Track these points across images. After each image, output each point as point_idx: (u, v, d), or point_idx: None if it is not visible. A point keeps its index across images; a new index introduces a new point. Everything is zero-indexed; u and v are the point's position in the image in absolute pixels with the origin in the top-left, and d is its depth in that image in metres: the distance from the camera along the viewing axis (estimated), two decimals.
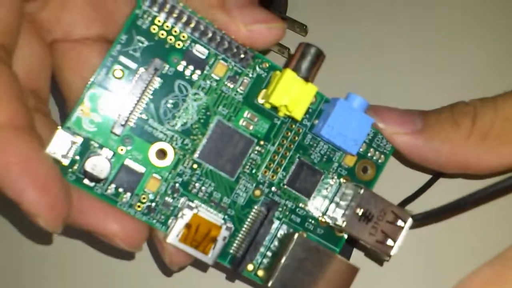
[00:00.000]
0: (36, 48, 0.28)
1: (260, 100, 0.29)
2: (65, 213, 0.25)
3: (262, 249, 0.29)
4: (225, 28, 0.28)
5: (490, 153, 0.30)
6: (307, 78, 0.28)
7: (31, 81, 0.28)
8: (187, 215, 0.27)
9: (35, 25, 0.28)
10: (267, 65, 0.29)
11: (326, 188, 0.30)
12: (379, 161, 0.31)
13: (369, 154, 0.31)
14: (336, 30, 0.38)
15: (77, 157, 0.27)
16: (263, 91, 0.29)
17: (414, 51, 0.38)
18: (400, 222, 0.28)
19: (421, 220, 0.32)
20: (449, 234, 0.36)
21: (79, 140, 0.27)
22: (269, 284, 0.27)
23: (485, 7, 0.39)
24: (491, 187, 0.28)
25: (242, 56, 0.28)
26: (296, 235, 0.28)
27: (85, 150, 0.27)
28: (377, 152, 0.31)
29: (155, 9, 0.27)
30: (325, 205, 0.30)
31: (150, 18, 0.27)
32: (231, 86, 0.28)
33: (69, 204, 0.25)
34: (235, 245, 0.29)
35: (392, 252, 0.28)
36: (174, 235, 0.27)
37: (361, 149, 0.30)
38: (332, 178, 0.30)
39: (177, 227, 0.27)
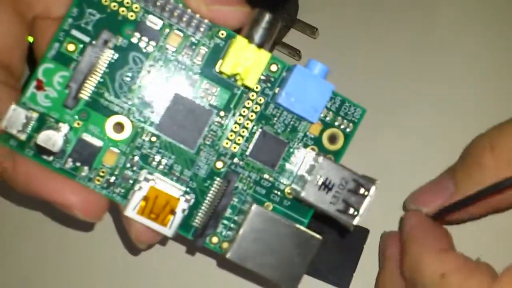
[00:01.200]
0: (12, 24, 0.29)
1: (218, 70, 0.28)
2: None
3: (226, 222, 0.29)
4: (186, 4, 0.27)
5: None
6: (261, 45, 0.27)
7: (3, 56, 0.28)
8: (144, 188, 0.27)
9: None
10: (224, 34, 0.28)
11: (291, 159, 0.29)
12: (348, 130, 0.30)
13: (336, 123, 0.30)
14: (346, 32, 0.38)
15: (34, 133, 0.27)
16: (221, 61, 0.28)
17: (426, 54, 0.38)
18: (363, 191, 0.27)
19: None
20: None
21: (35, 115, 0.27)
22: (227, 255, 0.27)
23: (486, 7, 0.38)
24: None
25: (198, 26, 0.28)
26: (253, 206, 0.27)
27: (42, 125, 0.27)
28: (345, 121, 0.30)
29: None
30: (290, 176, 0.29)
31: None
32: (188, 56, 0.28)
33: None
34: (198, 217, 0.29)
35: (355, 222, 0.27)
36: (131, 208, 0.27)
37: (327, 118, 0.29)
38: (298, 148, 0.29)
39: (135, 200, 0.27)
